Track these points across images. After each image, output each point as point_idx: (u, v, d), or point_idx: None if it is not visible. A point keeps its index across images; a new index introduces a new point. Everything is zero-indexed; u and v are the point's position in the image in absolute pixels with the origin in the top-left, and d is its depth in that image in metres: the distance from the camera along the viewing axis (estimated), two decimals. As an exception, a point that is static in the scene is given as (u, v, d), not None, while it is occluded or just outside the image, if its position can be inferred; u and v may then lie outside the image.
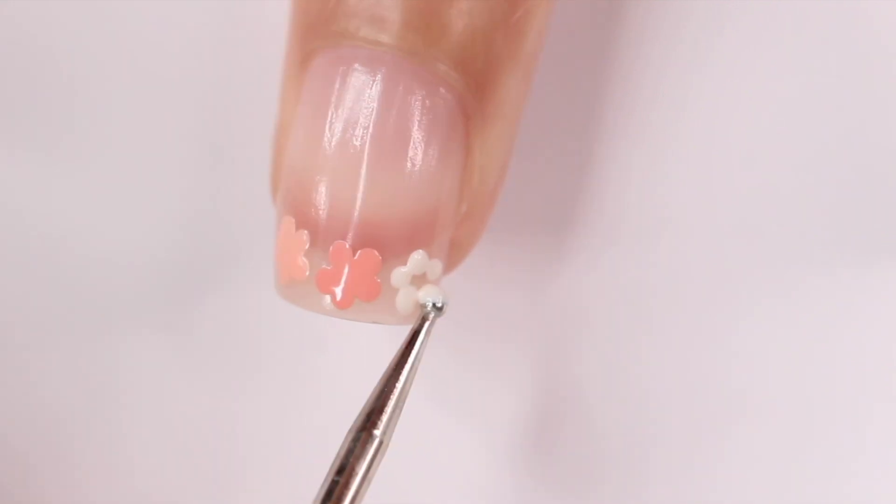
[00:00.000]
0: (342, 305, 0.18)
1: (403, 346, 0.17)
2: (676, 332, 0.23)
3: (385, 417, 0.17)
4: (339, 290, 0.18)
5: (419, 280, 0.18)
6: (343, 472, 0.16)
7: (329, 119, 0.18)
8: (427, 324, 0.18)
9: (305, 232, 0.18)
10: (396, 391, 0.17)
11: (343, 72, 0.18)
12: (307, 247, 0.18)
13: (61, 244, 0.23)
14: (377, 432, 0.16)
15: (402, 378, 0.17)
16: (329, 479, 0.16)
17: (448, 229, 0.18)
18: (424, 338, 0.18)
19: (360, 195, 0.17)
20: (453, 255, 0.19)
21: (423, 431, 0.24)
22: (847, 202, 0.22)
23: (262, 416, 0.24)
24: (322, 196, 0.18)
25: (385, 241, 0.17)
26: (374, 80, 0.17)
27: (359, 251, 0.17)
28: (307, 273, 0.18)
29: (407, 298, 0.18)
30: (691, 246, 0.23)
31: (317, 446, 0.23)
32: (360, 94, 0.17)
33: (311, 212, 0.18)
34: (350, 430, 0.17)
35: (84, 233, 0.23)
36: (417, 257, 0.18)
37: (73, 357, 0.23)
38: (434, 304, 0.18)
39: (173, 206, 0.23)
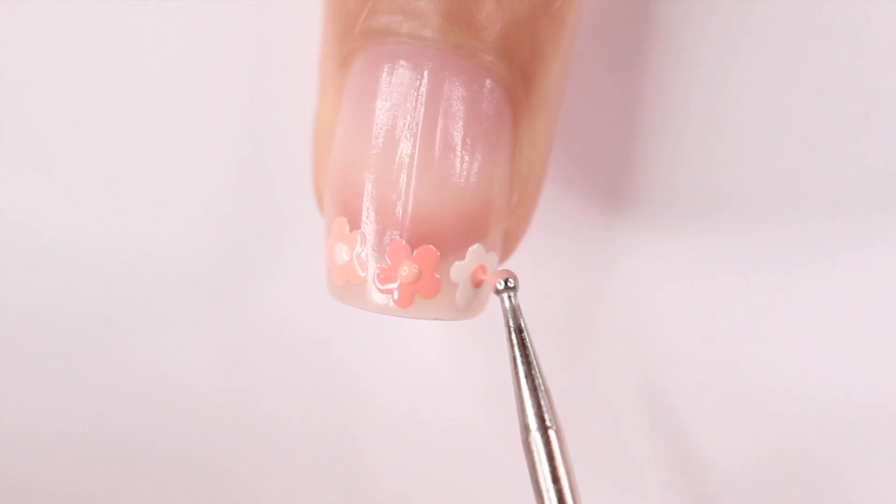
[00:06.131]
0: (402, 304, 0.18)
1: (510, 342, 0.17)
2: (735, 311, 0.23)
3: (545, 408, 0.17)
4: (398, 289, 0.17)
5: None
6: (557, 479, 0.17)
7: (376, 118, 0.18)
8: (509, 304, 0.18)
9: (360, 232, 0.18)
10: (537, 379, 0.17)
11: (388, 69, 0.17)
12: (362, 247, 0.18)
13: (80, 244, 0.23)
14: (549, 423, 0.17)
15: (533, 366, 0.17)
16: (552, 492, 0.16)
17: (502, 221, 0.18)
18: (521, 316, 0.17)
19: (413, 191, 0.17)
20: (505, 246, 0.19)
21: (457, 426, 0.24)
22: None
23: (265, 416, 0.24)
24: (375, 195, 0.17)
25: (442, 237, 0.17)
26: (420, 76, 0.17)
27: (417, 248, 0.17)
28: (363, 273, 0.18)
29: (466, 293, 0.18)
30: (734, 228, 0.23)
31: (319, 445, 0.24)
32: (407, 90, 0.17)
33: (365, 212, 0.18)
34: (531, 442, 0.17)
35: (102, 233, 0.23)
36: (475, 250, 0.18)
37: (88, 358, 0.24)
38: (507, 285, 0.17)
39: (180, 209, 0.23)
